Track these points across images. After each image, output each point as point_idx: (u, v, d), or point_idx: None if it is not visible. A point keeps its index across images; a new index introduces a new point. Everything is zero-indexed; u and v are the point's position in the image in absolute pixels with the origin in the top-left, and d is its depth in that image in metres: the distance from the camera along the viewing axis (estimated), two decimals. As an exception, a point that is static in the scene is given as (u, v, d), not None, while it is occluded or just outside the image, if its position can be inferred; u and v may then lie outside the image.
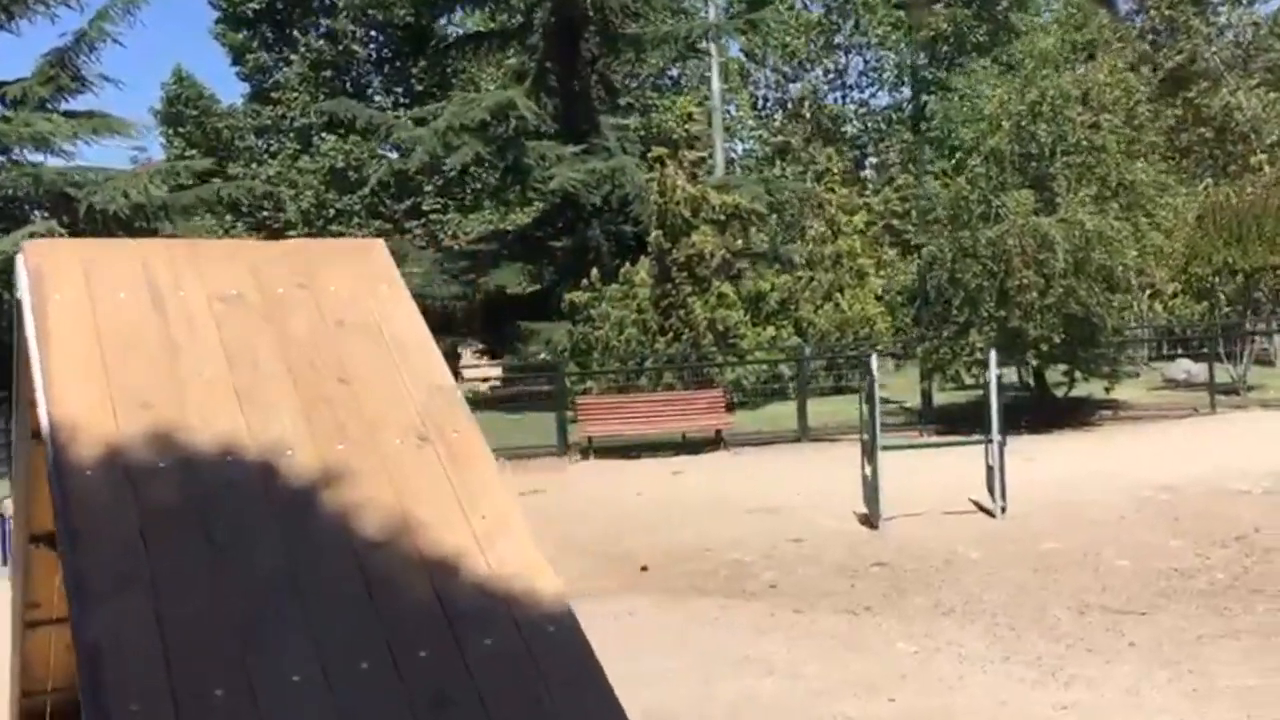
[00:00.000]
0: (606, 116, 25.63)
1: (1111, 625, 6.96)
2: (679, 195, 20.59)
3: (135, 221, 19.16)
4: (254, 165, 34.69)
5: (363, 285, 3.32)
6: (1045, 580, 8.16)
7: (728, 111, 38.85)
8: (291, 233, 34.07)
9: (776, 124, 39.74)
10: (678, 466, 15.26)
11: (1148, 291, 25.35)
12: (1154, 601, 7.45)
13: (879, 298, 23.11)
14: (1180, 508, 10.35)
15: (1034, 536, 9.58)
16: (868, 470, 10.38)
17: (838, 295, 23.51)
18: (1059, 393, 18.28)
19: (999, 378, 10.53)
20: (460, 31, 32.66)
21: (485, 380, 30.35)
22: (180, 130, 34.34)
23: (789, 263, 24.60)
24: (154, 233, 19.23)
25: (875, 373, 10.28)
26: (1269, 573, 7.97)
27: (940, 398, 18.32)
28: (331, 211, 33.39)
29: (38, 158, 19.58)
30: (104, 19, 19.54)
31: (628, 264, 21.39)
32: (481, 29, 29.50)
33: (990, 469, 10.48)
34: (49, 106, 18.95)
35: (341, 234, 33.47)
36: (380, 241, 4.32)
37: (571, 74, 24.85)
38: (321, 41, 35.27)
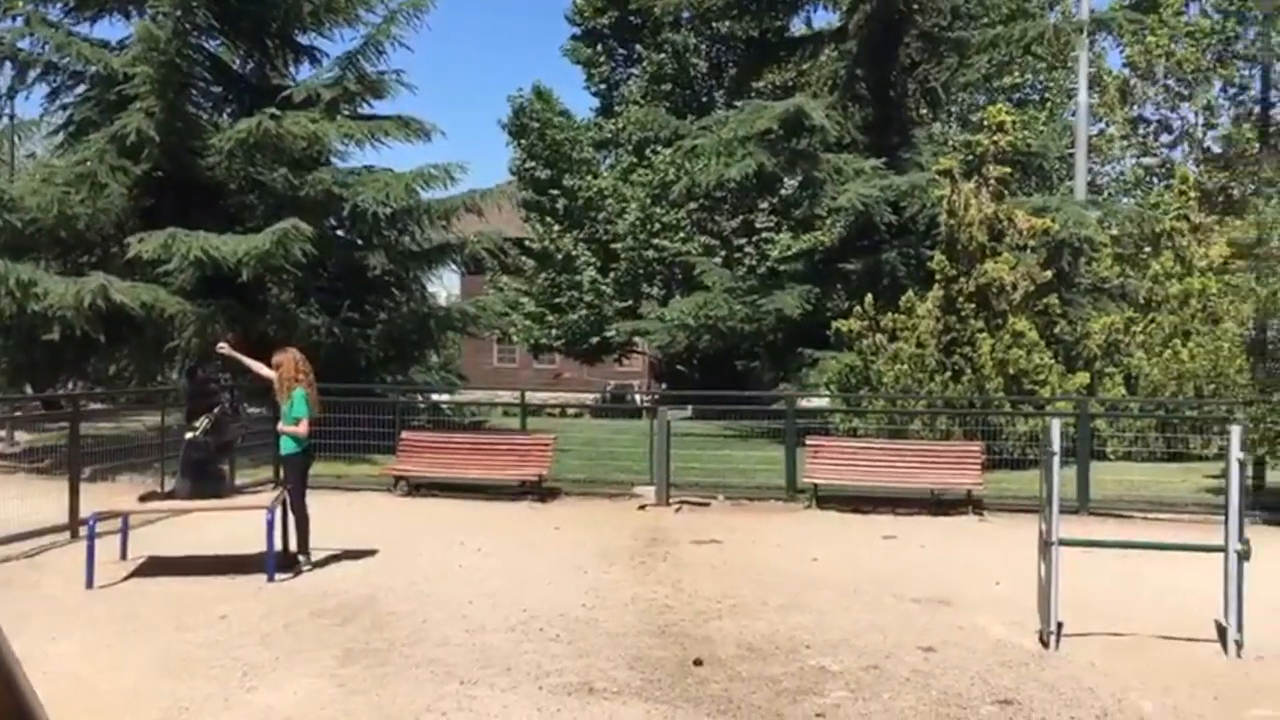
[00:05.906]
0: (924, 129, 23.17)
1: None
2: (971, 215, 17.97)
3: (398, 222, 19.31)
4: (589, 177, 34.95)
5: None
6: (1212, 773, 5.50)
7: (1101, 130, 34.71)
8: (617, 245, 34.06)
9: (1160, 145, 35.01)
10: (896, 529, 12.94)
11: None
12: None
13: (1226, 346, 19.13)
14: None
15: (1259, 692, 6.73)
16: (1041, 570, 7.84)
17: (1177, 342, 19.80)
18: None
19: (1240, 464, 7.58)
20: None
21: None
22: (523, 142, 35.25)
23: (1124, 300, 21.10)
24: (411, 234, 19.33)
25: (1057, 443, 7.69)
26: None
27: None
28: (657, 225, 32.89)
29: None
30: (392, 23, 19.89)
31: (911, 293, 18.98)
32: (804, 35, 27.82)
33: (1227, 587, 7.63)
34: (339, 109, 19.38)
35: (665, 248, 32.99)
36: None
37: (885, 81, 22.62)
38: (662, 55, 34.99)
